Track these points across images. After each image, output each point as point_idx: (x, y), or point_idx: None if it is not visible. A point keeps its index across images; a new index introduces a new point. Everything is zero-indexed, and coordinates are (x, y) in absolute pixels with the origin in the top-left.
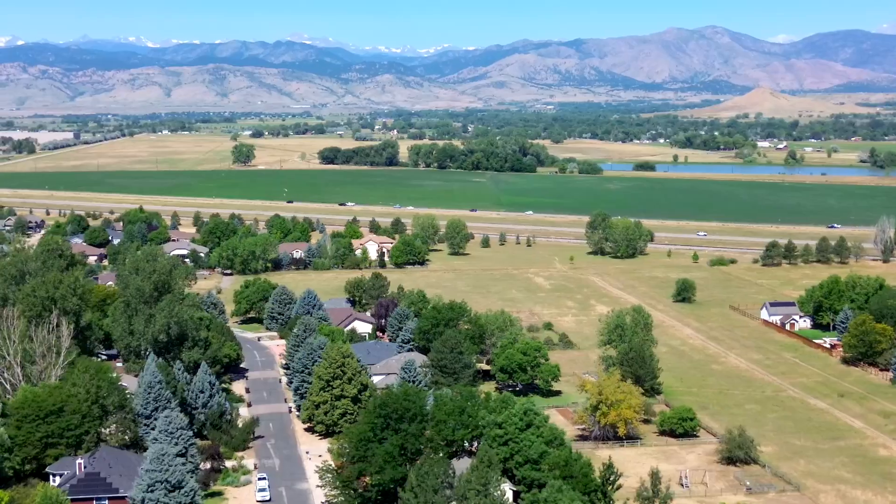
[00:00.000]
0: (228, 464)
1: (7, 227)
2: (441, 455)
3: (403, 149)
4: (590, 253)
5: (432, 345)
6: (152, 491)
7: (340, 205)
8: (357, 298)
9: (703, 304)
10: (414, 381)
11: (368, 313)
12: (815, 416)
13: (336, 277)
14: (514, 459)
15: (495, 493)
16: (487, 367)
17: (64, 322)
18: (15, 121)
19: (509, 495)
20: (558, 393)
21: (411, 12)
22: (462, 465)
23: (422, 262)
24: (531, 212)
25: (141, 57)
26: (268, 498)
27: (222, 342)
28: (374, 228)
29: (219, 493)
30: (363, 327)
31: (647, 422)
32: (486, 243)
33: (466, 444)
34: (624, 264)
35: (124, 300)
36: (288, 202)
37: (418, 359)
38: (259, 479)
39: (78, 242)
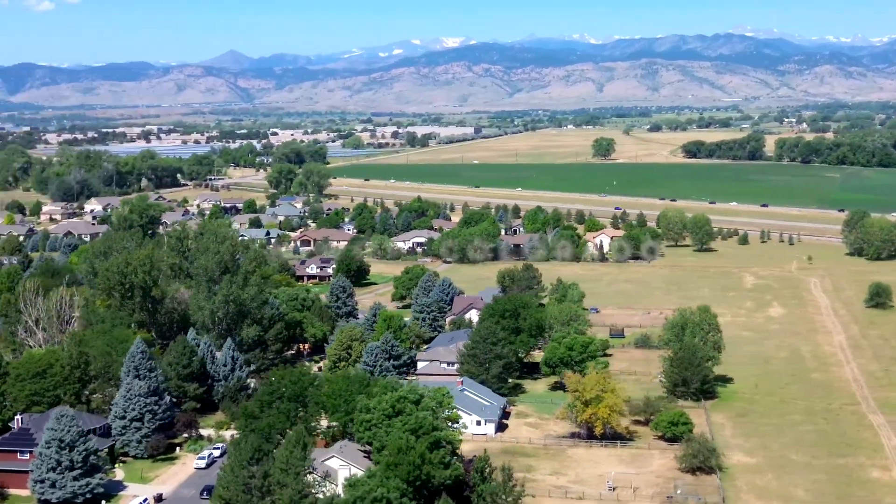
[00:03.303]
0: (205, 432)
1: None
2: (306, 436)
3: (770, 143)
4: (848, 254)
5: (471, 334)
6: (49, 448)
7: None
8: (508, 288)
9: None
10: (373, 367)
11: None
12: (851, 432)
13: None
14: (374, 445)
15: (307, 476)
16: None
17: (75, 292)
18: (446, 116)
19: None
20: None
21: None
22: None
23: (643, 257)
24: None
25: (579, 53)
26: (203, 465)
27: (311, 323)
28: (616, 222)
29: (175, 458)
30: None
31: (645, 423)
32: (744, 240)
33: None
34: (871, 266)
35: (194, 278)
36: (668, 199)
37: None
38: (213, 448)
39: (347, 230)
